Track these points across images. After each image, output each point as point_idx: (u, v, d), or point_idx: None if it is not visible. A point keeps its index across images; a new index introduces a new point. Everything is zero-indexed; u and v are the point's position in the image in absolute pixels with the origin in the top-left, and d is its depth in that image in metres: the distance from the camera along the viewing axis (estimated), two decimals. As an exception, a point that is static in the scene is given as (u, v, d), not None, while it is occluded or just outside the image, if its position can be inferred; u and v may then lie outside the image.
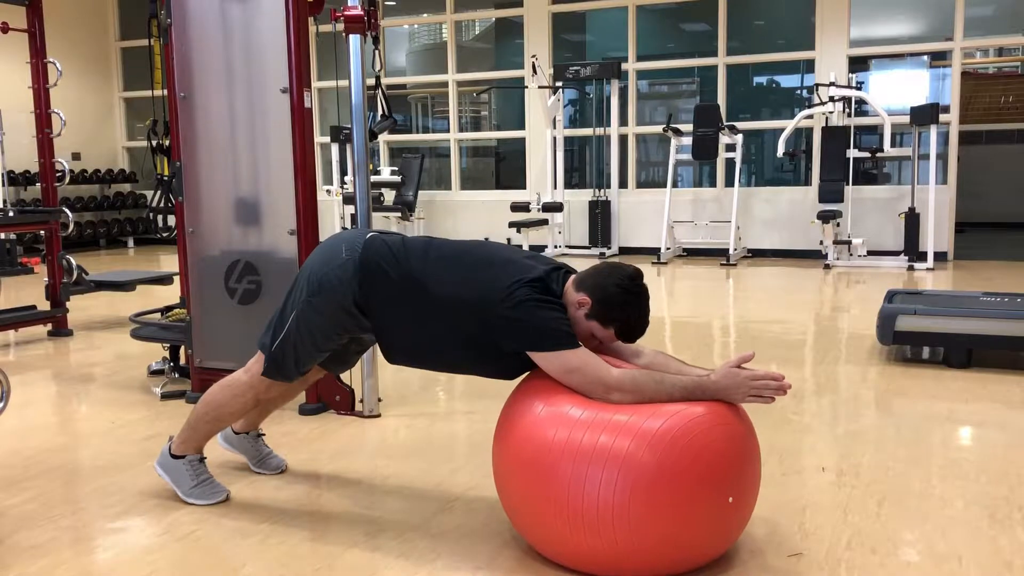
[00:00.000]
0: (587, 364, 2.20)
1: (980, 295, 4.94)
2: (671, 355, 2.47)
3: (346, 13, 3.48)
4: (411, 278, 2.38)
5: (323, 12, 3.71)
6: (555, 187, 10.06)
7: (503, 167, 12.59)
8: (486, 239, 10.55)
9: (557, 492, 2.07)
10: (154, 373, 4.39)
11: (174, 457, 2.73)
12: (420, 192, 10.43)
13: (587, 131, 10.69)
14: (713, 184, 10.11)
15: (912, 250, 8.47)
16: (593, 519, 2.04)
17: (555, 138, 9.99)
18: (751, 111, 11.11)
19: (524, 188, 10.67)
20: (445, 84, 11.21)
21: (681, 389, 2.16)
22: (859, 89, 9.51)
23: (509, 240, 10.30)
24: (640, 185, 10.47)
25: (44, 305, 5.73)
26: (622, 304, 2.29)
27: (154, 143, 4.57)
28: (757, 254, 9.67)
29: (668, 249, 9.43)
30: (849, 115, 9.10)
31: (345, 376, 3.53)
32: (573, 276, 2.38)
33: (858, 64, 10.08)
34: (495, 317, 2.26)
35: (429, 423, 3.57)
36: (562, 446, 2.08)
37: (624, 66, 10.10)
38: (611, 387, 2.15)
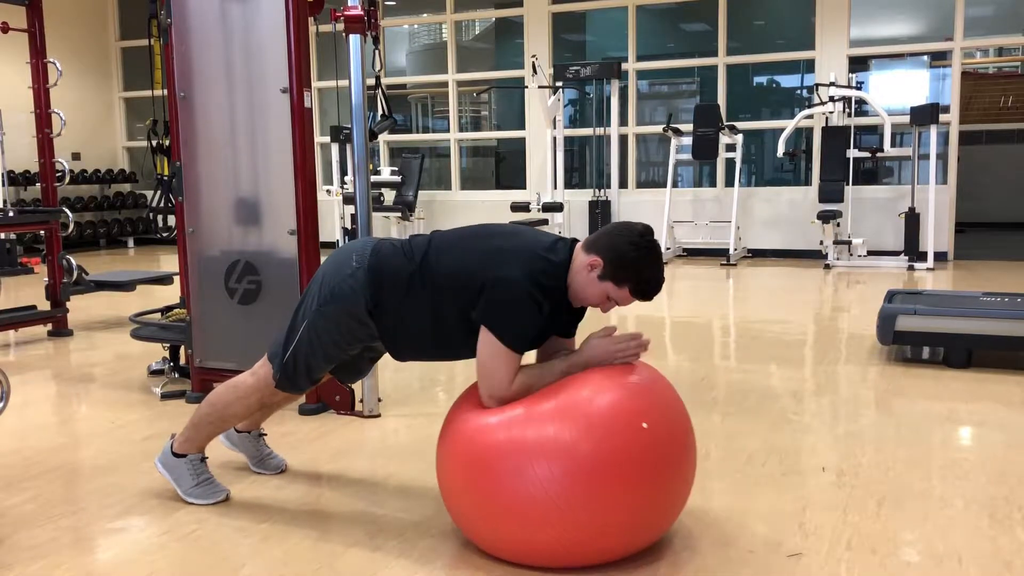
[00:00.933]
0: (505, 367, 2.25)
1: (980, 295, 4.94)
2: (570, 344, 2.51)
3: (346, 13, 3.47)
4: (416, 270, 2.39)
5: (323, 12, 3.71)
6: (555, 187, 10.05)
7: (503, 167, 12.59)
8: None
9: (499, 490, 2.14)
10: (154, 373, 4.39)
11: (176, 455, 2.73)
12: (420, 192, 10.42)
13: (587, 131, 10.69)
14: (713, 184, 10.11)
15: (912, 250, 8.47)
16: (537, 512, 2.09)
17: (555, 138, 9.99)
18: (751, 111, 11.11)
19: (524, 188, 10.67)
20: (445, 84, 11.21)
21: (558, 373, 2.29)
22: (859, 89, 9.51)
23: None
24: (640, 185, 10.47)
25: (44, 305, 5.73)
26: (634, 261, 2.28)
27: (154, 143, 4.57)
28: (757, 254, 9.67)
29: (668, 249, 9.43)
30: (849, 115, 9.10)
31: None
32: (582, 240, 2.37)
33: (858, 64, 10.08)
34: (479, 281, 2.28)
35: (429, 423, 3.57)
36: (500, 446, 2.15)
37: (624, 66, 10.10)
38: (496, 399, 2.25)
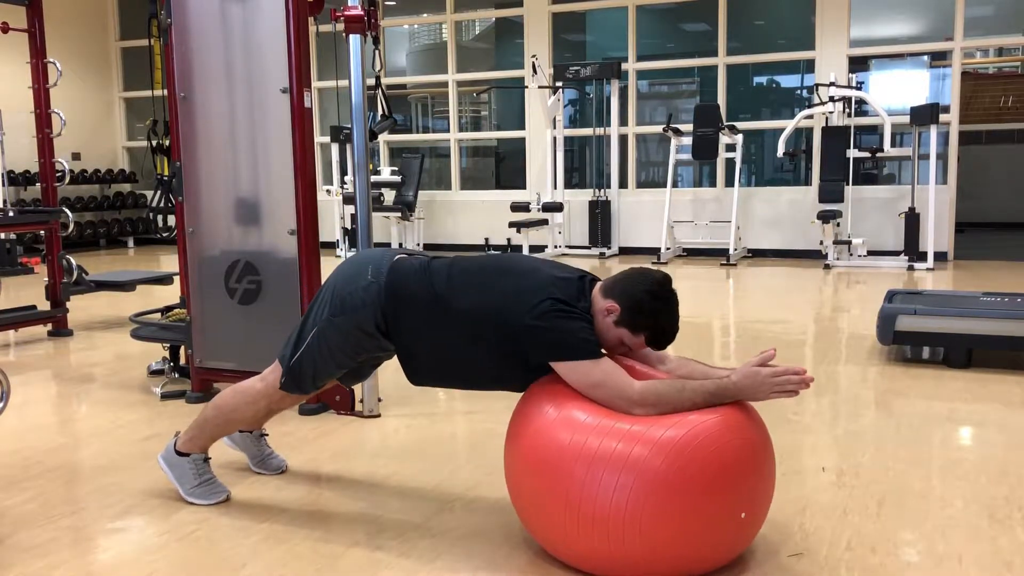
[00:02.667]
0: (610, 377, 2.17)
1: (980, 295, 4.94)
2: (694, 359, 2.45)
3: (346, 13, 3.47)
4: (436, 300, 2.36)
5: (323, 12, 3.71)
6: (555, 187, 10.06)
7: (503, 167, 12.59)
8: (486, 239, 10.56)
9: (568, 494, 2.07)
10: (154, 373, 4.39)
11: (179, 454, 2.73)
12: (420, 192, 10.42)
13: (587, 131, 10.69)
14: (713, 184, 10.11)
15: (912, 250, 8.47)
16: (602, 522, 2.03)
17: (555, 138, 9.99)
18: (751, 111, 11.11)
19: (524, 188, 10.67)
20: (445, 84, 11.21)
21: (704, 394, 2.14)
22: (859, 89, 9.51)
23: (509, 240, 10.31)
24: (640, 185, 10.47)
25: (44, 305, 5.73)
26: (652, 311, 2.26)
27: (154, 143, 4.57)
28: (757, 254, 9.67)
29: (668, 249, 9.43)
30: (849, 115, 9.10)
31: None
32: (600, 283, 2.35)
33: (858, 64, 10.08)
34: (519, 326, 2.24)
35: (429, 423, 3.57)
36: (575, 450, 2.07)
37: (624, 66, 10.10)
38: (634, 402, 2.13)
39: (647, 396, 2.13)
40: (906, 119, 8.65)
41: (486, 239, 10.65)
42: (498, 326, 2.27)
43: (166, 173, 4.23)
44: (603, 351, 2.27)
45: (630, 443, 2.04)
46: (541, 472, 2.13)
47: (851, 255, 8.72)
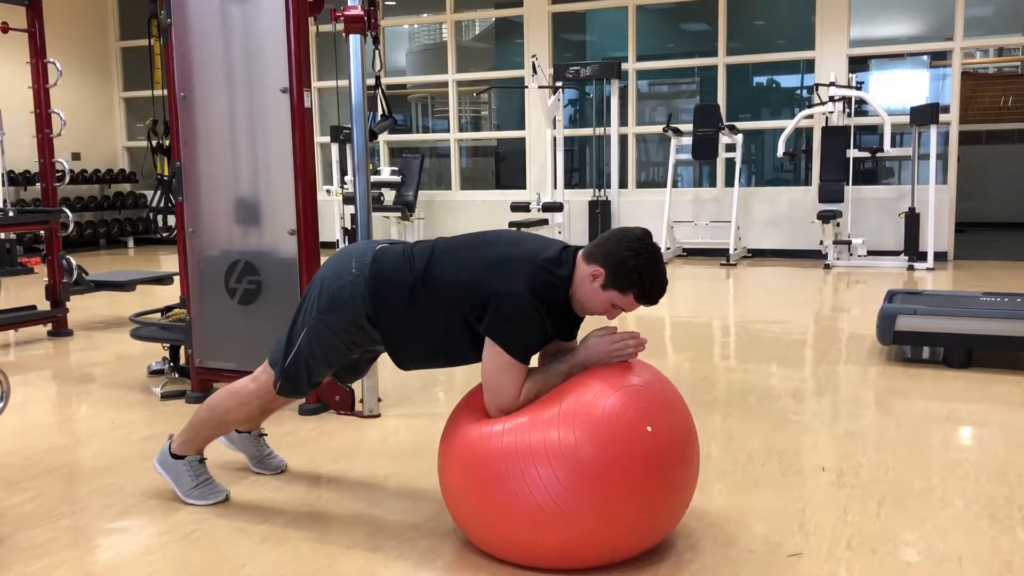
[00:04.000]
0: (511, 379, 2.26)
1: (980, 295, 4.94)
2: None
3: (346, 13, 3.47)
4: (419, 280, 2.37)
5: (323, 12, 3.71)
6: (555, 187, 10.05)
7: (503, 167, 12.58)
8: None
9: (503, 494, 2.13)
10: (154, 373, 4.39)
11: (174, 457, 2.73)
12: (420, 192, 10.42)
13: (587, 131, 10.68)
14: (713, 184, 10.11)
15: (912, 250, 8.47)
16: (541, 516, 2.09)
17: (555, 138, 9.99)
18: (751, 111, 11.11)
19: (524, 188, 10.67)
20: (445, 84, 11.21)
21: (561, 375, 2.30)
22: (859, 89, 9.50)
23: (509, 240, 10.29)
24: (640, 185, 10.47)
25: (44, 305, 5.73)
26: (636, 268, 2.26)
27: (154, 143, 4.57)
28: (757, 254, 9.67)
29: (668, 249, 9.43)
30: (849, 115, 9.10)
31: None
32: (582, 250, 2.36)
33: (858, 64, 10.08)
34: (490, 291, 2.27)
35: (429, 423, 3.57)
36: (505, 449, 2.15)
37: (624, 66, 10.10)
38: (502, 410, 2.26)
39: (527, 401, 2.26)
40: (906, 119, 8.65)
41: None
42: (475, 294, 2.30)
43: (166, 173, 4.23)
44: (528, 362, 2.31)
45: (554, 431, 2.13)
46: (475, 477, 2.21)
47: (851, 255, 8.72)
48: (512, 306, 2.25)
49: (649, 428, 2.15)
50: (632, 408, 2.16)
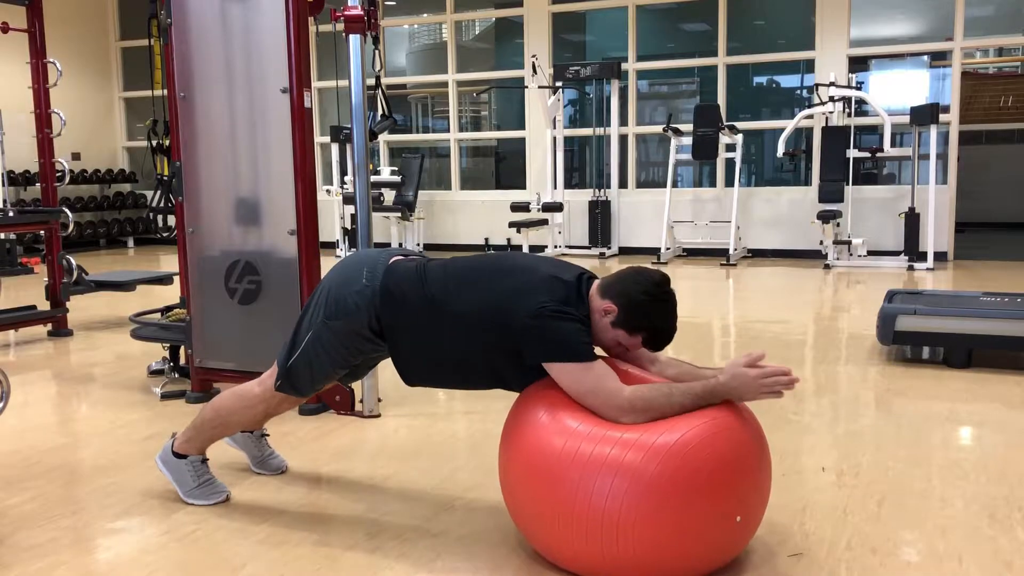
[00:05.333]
0: (600, 382, 2.14)
1: (980, 295, 4.94)
2: (682, 360, 2.43)
3: (346, 13, 3.47)
4: (431, 302, 2.35)
5: (323, 12, 3.71)
6: (555, 187, 10.06)
7: (503, 167, 12.58)
8: (486, 239, 10.55)
9: (562, 499, 2.06)
10: (154, 373, 4.39)
11: (177, 455, 2.73)
12: (420, 192, 10.42)
13: (587, 131, 10.69)
14: (713, 184, 10.11)
15: (912, 250, 8.47)
16: (597, 527, 2.03)
17: (555, 138, 9.99)
18: (751, 111, 11.11)
19: (524, 188, 10.67)
20: (445, 84, 11.21)
21: (692, 397, 2.12)
22: (859, 89, 9.51)
23: (509, 240, 10.31)
24: (640, 185, 10.47)
25: (44, 305, 5.73)
26: (649, 312, 2.24)
27: (154, 143, 4.57)
28: (757, 254, 9.67)
29: (668, 249, 9.43)
30: (849, 115, 9.11)
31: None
32: (597, 282, 2.33)
33: (858, 64, 10.07)
34: (516, 325, 2.22)
35: (429, 423, 3.57)
36: (569, 456, 2.07)
37: (624, 66, 10.11)
38: (623, 410, 2.11)
39: (636, 403, 2.11)
40: (906, 119, 8.65)
41: (486, 239, 10.65)
42: (496, 325, 2.26)
43: (166, 173, 4.23)
44: (596, 355, 2.25)
45: (624, 449, 2.03)
46: (536, 477, 2.13)
47: (851, 255, 8.72)
48: (544, 321, 2.19)
49: (739, 519, 2.08)
50: (718, 442, 2.06)
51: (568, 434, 2.11)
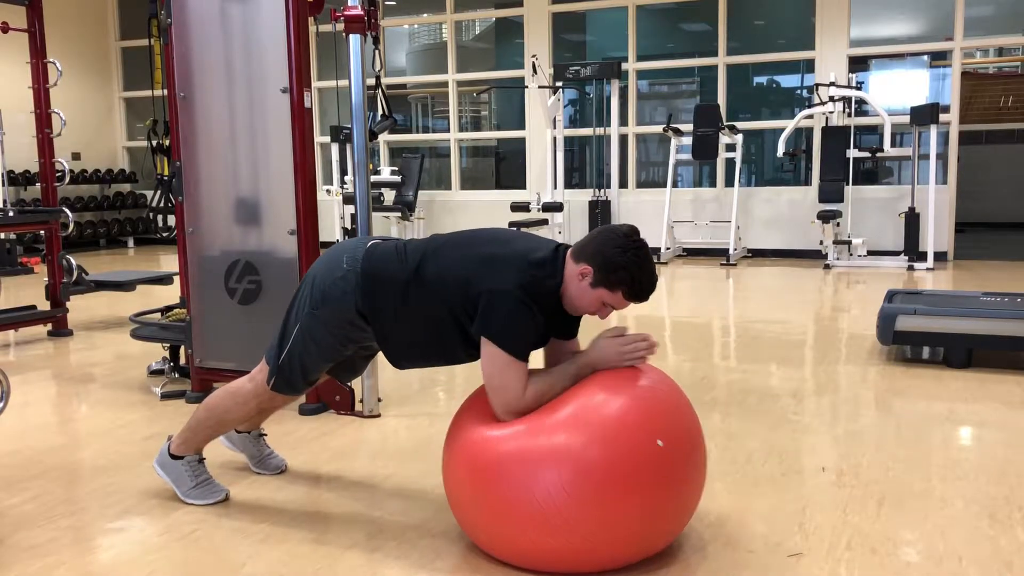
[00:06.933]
0: (514, 380, 2.23)
1: (980, 295, 4.94)
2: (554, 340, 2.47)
3: (346, 13, 3.48)
4: (412, 276, 2.37)
5: (323, 12, 3.71)
6: (555, 187, 10.05)
7: (503, 167, 12.58)
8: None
9: (508, 496, 2.12)
10: (154, 373, 4.39)
11: (173, 457, 2.73)
12: (420, 192, 10.42)
13: (587, 131, 10.68)
14: (713, 184, 10.11)
15: (912, 250, 8.47)
16: (546, 520, 2.08)
17: (555, 138, 9.99)
18: (751, 111, 11.11)
19: (524, 188, 10.67)
20: (445, 84, 11.21)
21: (569, 377, 2.28)
22: (859, 89, 9.51)
23: (509, 240, 10.29)
24: (640, 185, 10.47)
25: (44, 305, 5.73)
26: (624, 265, 2.25)
27: (154, 143, 4.58)
28: (757, 254, 9.67)
29: (668, 249, 9.43)
30: (849, 115, 9.10)
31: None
32: (570, 248, 2.35)
33: (858, 64, 10.08)
34: (473, 292, 2.27)
35: (429, 423, 3.57)
36: (511, 454, 2.14)
37: (624, 66, 10.10)
38: (517, 412, 2.23)
39: (530, 404, 2.23)
40: (906, 119, 8.65)
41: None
42: (465, 292, 2.29)
43: (166, 173, 4.24)
44: (528, 358, 2.29)
45: (561, 436, 2.12)
46: (481, 479, 2.19)
47: (851, 255, 8.72)
48: (501, 301, 2.24)
49: (660, 442, 2.12)
50: (639, 413, 2.15)
51: (508, 432, 2.19)
